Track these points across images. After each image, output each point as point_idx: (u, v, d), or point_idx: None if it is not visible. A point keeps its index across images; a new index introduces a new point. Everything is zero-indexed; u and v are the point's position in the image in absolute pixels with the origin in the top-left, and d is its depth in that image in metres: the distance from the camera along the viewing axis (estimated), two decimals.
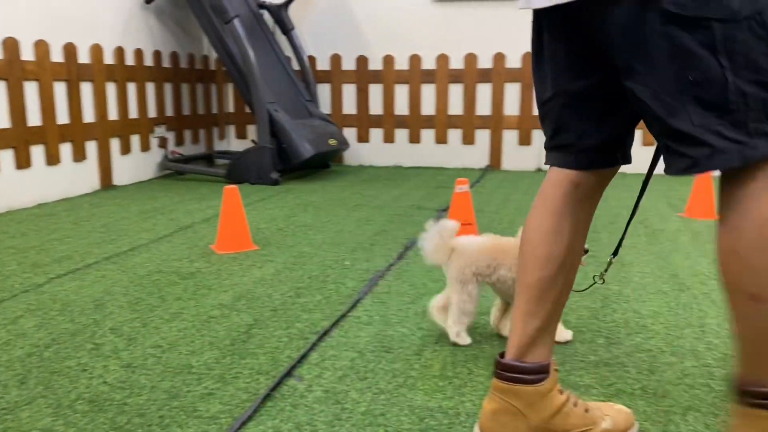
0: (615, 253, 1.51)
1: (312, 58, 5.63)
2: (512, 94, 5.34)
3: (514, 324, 1.29)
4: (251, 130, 5.84)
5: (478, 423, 1.32)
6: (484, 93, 5.40)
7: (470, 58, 5.36)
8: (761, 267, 1.02)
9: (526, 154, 5.40)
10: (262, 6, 5.38)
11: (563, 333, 1.82)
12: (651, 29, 1.02)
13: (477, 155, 5.51)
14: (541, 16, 1.23)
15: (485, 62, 5.36)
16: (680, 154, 1.07)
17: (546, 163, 1.34)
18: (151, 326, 1.96)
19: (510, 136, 5.41)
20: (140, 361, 1.72)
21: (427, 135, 5.58)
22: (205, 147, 5.71)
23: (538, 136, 5.33)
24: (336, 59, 5.63)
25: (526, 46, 5.21)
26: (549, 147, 1.32)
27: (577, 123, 1.24)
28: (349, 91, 5.68)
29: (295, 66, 5.45)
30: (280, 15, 5.34)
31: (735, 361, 1.11)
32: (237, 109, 5.93)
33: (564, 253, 1.27)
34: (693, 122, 1.03)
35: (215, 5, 4.58)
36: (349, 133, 5.69)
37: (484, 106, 5.42)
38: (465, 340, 1.80)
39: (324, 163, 5.34)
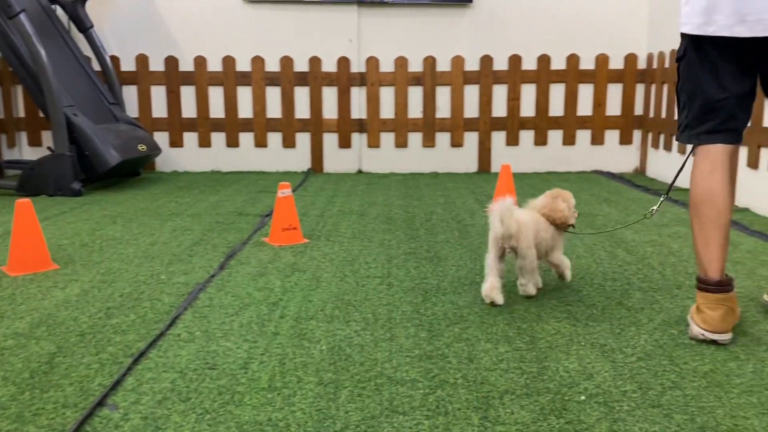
0: (666, 194, 2.23)
1: (115, 59, 5.23)
2: (330, 97, 5.40)
3: (718, 254, 1.87)
4: (47, 137, 5.28)
5: (706, 328, 1.83)
6: (302, 96, 5.40)
7: (286, 61, 5.33)
8: None
9: (347, 157, 5.49)
10: (54, 1, 4.89)
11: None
12: None
13: (298, 159, 5.49)
14: (724, 42, 1.84)
15: (302, 65, 5.36)
16: None
17: (705, 144, 1.92)
18: None
19: (330, 139, 5.46)
20: None
21: (246, 138, 5.45)
22: None
23: (357, 139, 5.45)
24: (142, 60, 5.29)
25: (341, 50, 5.30)
26: (715, 130, 1.90)
27: (742, 113, 1.89)
28: (158, 94, 5.37)
29: (96, 67, 5.03)
30: (75, 12, 4.89)
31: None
32: (29, 113, 5.32)
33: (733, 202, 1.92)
34: None
35: None
36: (161, 138, 5.38)
37: (302, 110, 5.42)
38: (534, 290, 2.21)
39: (134, 171, 4.99)
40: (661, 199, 2.23)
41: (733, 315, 1.87)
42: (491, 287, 2.14)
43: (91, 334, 1.90)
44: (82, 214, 3.63)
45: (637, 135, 5.46)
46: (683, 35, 1.93)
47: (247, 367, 1.68)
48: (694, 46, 1.91)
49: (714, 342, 1.83)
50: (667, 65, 4.92)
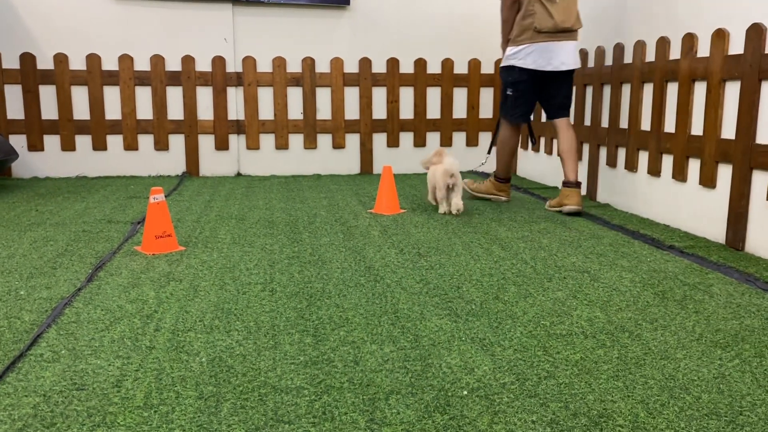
0: (489, 151, 4.37)
1: None
2: (205, 98, 5.22)
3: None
4: None
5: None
6: (175, 96, 5.18)
7: (157, 60, 5.08)
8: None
9: (224, 159, 5.33)
10: None
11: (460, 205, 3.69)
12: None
13: (172, 162, 5.25)
14: (542, 73, 3.77)
15: (174, 65, 5.14)
16: (567, 109, 3.88)
17: (517, 123, 3.94)
18: None
19: (206, 141, 5.27)
20: None
21: (114, 141, 5.14)
22: None
23: (235, 141, 5.30)
24: None
25: (216, 49, 5.14)
26: (522, 117, 3.91)
27: (531, 108, 3.96)
28: (13, 93, 4.94)
29: None
30: None
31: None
32: None
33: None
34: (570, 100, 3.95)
35: None
36: (18, 141, 4.96)
37: (176, 110, 5.20)
38: (461, 206, 3.64)
39: None
40: (488, 155, 4.37)
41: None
42: (446, 210, 3.68)
43: None
44: None
45: None
46: (523, 69, 3.74)
47: (120, 385, 1.58)
48: (530, 76, 3.75)
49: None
50: None
